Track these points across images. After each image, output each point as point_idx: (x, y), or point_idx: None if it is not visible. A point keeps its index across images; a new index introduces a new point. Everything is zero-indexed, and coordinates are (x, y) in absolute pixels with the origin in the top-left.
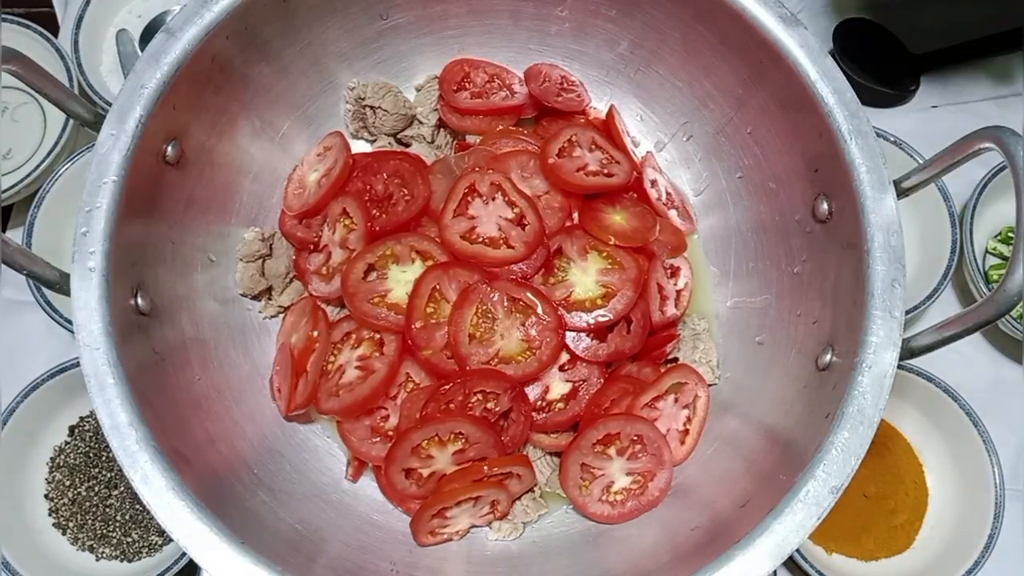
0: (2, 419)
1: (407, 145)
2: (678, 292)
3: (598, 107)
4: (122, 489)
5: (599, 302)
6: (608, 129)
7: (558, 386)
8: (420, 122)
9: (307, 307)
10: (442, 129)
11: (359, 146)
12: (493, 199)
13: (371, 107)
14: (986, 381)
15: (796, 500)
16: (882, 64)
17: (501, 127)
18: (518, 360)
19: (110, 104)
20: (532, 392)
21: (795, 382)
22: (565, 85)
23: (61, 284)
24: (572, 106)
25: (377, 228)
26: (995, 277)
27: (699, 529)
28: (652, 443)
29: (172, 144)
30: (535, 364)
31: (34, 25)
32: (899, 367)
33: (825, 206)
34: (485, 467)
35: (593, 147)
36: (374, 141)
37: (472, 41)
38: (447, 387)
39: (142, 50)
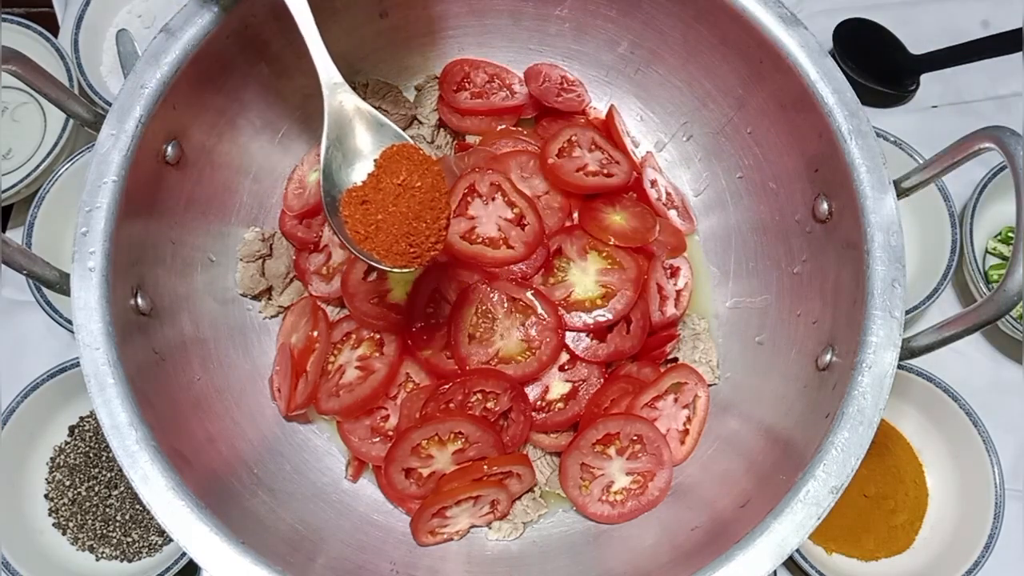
0: (2, 419)
1: None
2: (678, 292)
3: (598, 107)
4: (122, 489)
5: (599, 302)
6: (608, 129)
7: (558, 386)
8: (420, 122)
9: (307, 307)
10: (442, 129)
11: None
12: (493, 199)
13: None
14: (986, 381)
15: (796, 500)
16: (882, 64)
17: (501, 127)
18: (518, 360)
19: (110, 104)
20: (532, 392)
21: (795, 382)
22: (565, 85)
23: (61, 284)
24: (572, 106)
25: None
26: (995, 277)
27: (699, 529)
28: (652, 443)
29: (172, 144)
30: (535, 364)
31: (34, 25)
32: (899, 367)
33: (825, 206)
34: (485, 466)
35: (593, 147)
36: None
37: (472, 41)
38: (447, 387)
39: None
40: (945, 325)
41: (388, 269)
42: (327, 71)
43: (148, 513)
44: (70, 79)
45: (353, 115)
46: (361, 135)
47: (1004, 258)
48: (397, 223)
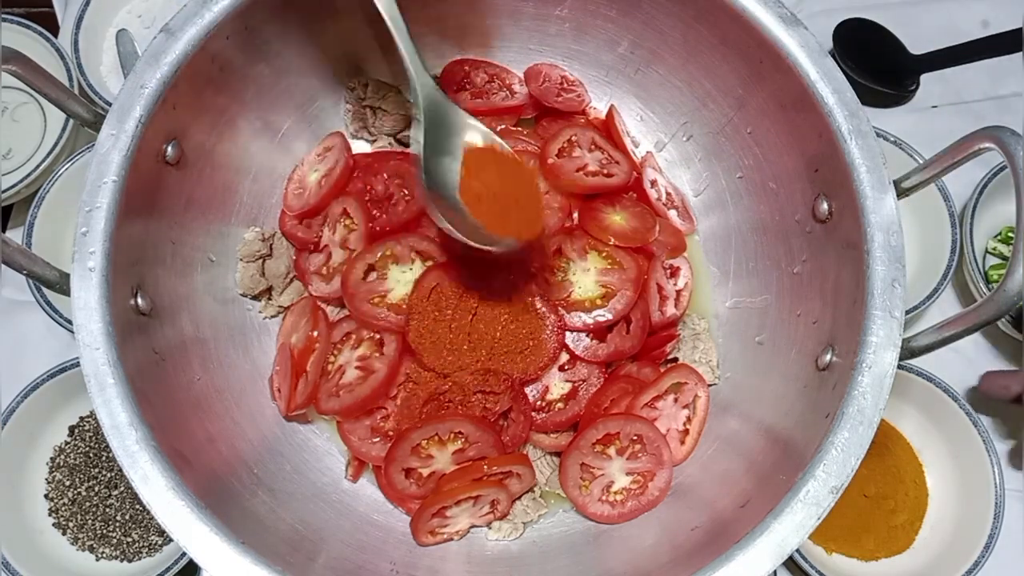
0: (2, 419)
1: (407, 145)
2: (678, 292)
3: (598, 107)
4: (122, 489)
5: (599, 302)
6: (608, 129)
7: (558, 386)
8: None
9: (307, 307)
10: None
11: (359, 146)
12: None
13: (371, 107)
14: None
15: (796, 500)
16: (882, 64)
17: (501, 127)
18: None
19: (110, 104)
20: (532, 392)
21: (795, 382)
22: (565, 85)
23: (61, 284)
24: (572, 106)
25: (377, 228)
26: (995, 277)
27: (699, 529)
28: (652, 443)
29: (172, 144)
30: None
31: (34, 25)
32: (899, 367)
33: (825, 206)
34: (485, 466)
35: (593, 147)
36: (374, 141)
37: (472, 41)
38: (447, 387)
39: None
40: (945, 325)
41: (488, 245)
42: (422, 77)
43: (148, 513)
44: (70, 79)
45: (447, 112)
46: (453, 133)
47: (1004, 258)
48: (504, 197)
